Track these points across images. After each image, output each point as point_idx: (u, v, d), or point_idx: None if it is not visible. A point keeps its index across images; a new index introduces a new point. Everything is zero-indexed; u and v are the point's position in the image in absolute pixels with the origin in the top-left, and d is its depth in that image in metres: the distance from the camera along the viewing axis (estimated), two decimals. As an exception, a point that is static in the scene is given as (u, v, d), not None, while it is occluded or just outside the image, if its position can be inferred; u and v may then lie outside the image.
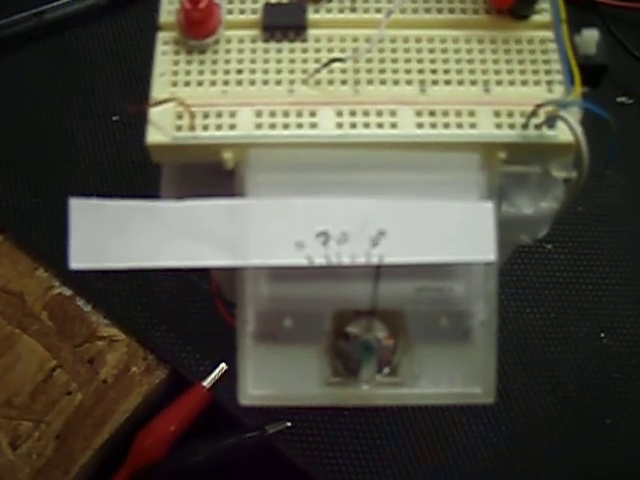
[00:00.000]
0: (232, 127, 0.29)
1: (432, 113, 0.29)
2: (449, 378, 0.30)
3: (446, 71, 0.30)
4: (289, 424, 0.48)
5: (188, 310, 0.51)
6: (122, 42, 0.60)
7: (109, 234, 0.28)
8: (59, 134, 0.57)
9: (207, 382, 0.49)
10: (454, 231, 0.27)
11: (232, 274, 0.30)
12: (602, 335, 0.51)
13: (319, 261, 0.27)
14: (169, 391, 0.51)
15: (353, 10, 0.32)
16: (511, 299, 0.52)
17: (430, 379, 0.30)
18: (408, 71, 0.30)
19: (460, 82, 0.30)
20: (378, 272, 0.28)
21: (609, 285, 0.53)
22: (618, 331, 0.52)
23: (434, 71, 0.30)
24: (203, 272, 0.49)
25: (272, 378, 0.30)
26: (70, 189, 0.54)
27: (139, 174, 0.55)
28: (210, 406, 0.49)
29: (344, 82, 0.30)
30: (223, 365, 0.49)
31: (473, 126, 0.29)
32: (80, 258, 0.28)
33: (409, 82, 0.30)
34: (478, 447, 0.48)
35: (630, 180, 0.56)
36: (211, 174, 0.30)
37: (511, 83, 0.30)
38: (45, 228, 0.54)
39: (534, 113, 0.28)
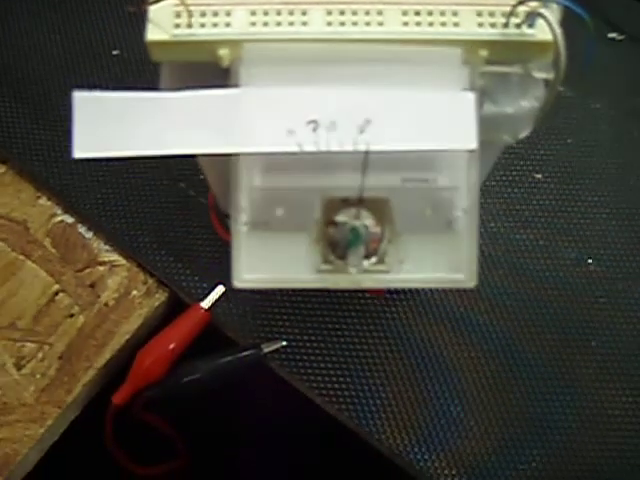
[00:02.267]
0: (228, 25, 0.31)
1: (417, 13, 0.31)
2: (433, 264, 0.32)
3: (431, -27, 0.32)
4: (284, 343, 0.50)
5: (187, 234, 0.54)
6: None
7: (111, 124, 0.30)
8: (62, 66, 0.59)
9: (205, 303, 0.51)
10: (437, 120, 0.30)
11: (227, 173, 0.32)
12: (589, 261, 0.54)
13: (309, 147, 0.29)
14: (169, 313, 0.53)
15: None
16: (502, 226, 0.55)
17: (415, 265, 0.32)
18: (395, -27, 0.32)
19: (444, -16, 0.32)
20: (366, 159, 0.30)
21: (596, 214, 0.55)
22: (604, 257, 0.54)
23: (420, -27, 0.32)
24: (200, 185, 0.51)
25: (265, 263, 0.32)
26: (69, 121, 0.56)
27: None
28: (208, 327, 0.51)
29: (334, -17, 0.32)
30: (221, 287, 0.51)
31: (456, 25, 0.31)
32: (83, 147, 0.30)
33: (396, -17, 0.32)
34: (467, 365, 0.50)
35: (618, 113, 0.58)
36: (206, 75, 0.31)
37: (493, -15, 0.32)
38: (47, 158, 0.56)
39: (514, 11, 0.30)
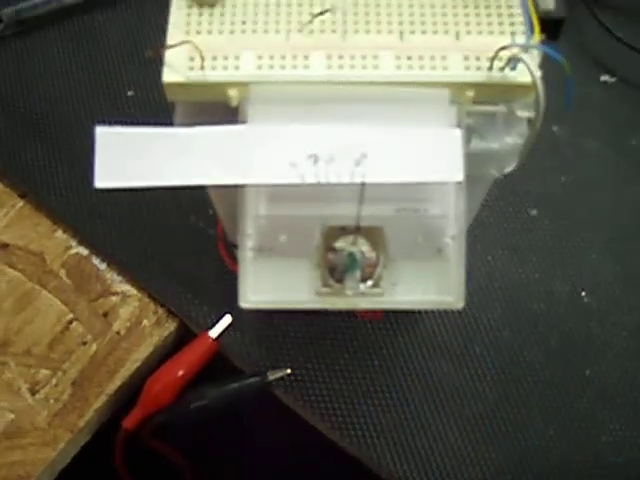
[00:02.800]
0: (237, 68, 0.35)
1: (409, 57, 0.35)
2: (424, 287, 0.35)
3: (422, 22, 0.36)
4: (288, 371, 0.53)
5: (196, 266, 0.57)
6: (137, 22, 0.67)
7: (130, 157, 0.33)
8: (78, 106, 0.63)
9: (213, 332, 0.54)
10: (427, 154, 0.33)
11: (235, 206, 0.36)
12: (583, 294, 0.56)
13: (310, 179, 0.32)
14: (178, 342, 0.56)
15: (343, -31, 0.37)
16: (498, 260, 0.58)
17: (407, 288, 0.35)
18: (389, 22, 0.36)
19: (434, 31, 0.36)
20: (362, 190, 0.33)
21: (590, 248, 0.58)
22: (598, 290, 0.57)
23: (412, 22, 0.36)
24: (210, 218, 0.55)
25: (269, 286, 0.35)
26: (87, 157, 0.60)
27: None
28: (215, 355, 0.54)
29: (334, 31, 0.36)
30: (228, 317, 0.54)
31: (445, 68, 0.35)
32: (104, 178, 0.33)
33: (390, 31, 0.36)
34: (465, 394, 0.53)
35: (610, 152, 0.62)
36: (217, 113, 0.35)
37: (479, 33, 0.36)
38: (64, 192, 0.60)
39: (497, 55, 0.34)
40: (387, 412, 0.53)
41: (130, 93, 0.63)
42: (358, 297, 0.36)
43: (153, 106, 0.62)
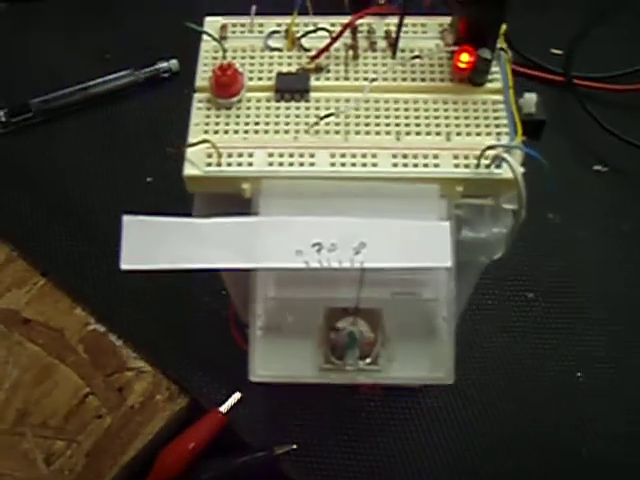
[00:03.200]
0: (250, 164, 0.39)
1: (405, 156, 0.39)
2: (418, 364, 0.39)
3: (417, 124, 0.41)
4: (294, 446, 0.56)
5: (208, 345, 0.61)
6: (156, 113, 0.73)
7: (153, 243, 0.37)
8: (100, 191, 0.68)
9: (223, 408, 0.57)
10: (419, 244, 0.37)
11: (246, 289, 0.40)
12: (578, 374, 0.59)
13: (314, 265, 0.37)
14: (189, 416, 0.59)
15: (346, 78, 0.42)
16: (496, 341, 0.61)
17: (402, 365, 0.39)
18: (387, 124, 0.41)
19: (427, 133, 0.40)
20: (361, 275, 0.37)
21: (584, 330, 0.61)
22: (593, 371, 0.60)
23: (407, 124, 0.41)
24: (223, 300, 0.59)
25: (276, 361, 0.39)
26: (106, 239, 0.65)
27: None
28: (225, 430, 0.57)
29: (337, 132, 0.40)
30: (238, 394, 0.58)
31: (436, 166, 0.39)
32: (129, 261, 0.37)
33: (388, 132, 0.40)
34: (465, 459, 0.56)
35: (603, 238, 0.66)
36: (231, 203, 0.40)
37: (468, 134, 0.40)
38: (83, 272, 0.64)
39: (483, 154, 0.38)
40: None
41: (149, 179, 0.68)
42: (357, 373, 0.39)
43: (171, 193, 0.66)
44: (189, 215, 0.39)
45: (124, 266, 0.37)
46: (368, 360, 0.39)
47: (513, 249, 0.59)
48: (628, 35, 0.78)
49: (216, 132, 0.41)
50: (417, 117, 0.41)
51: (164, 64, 0.73)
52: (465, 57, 0.41)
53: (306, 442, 0.57)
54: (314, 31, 0.44)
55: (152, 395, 0.59)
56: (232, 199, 0.40)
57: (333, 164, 0.39)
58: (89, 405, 0.59)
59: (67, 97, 0.71)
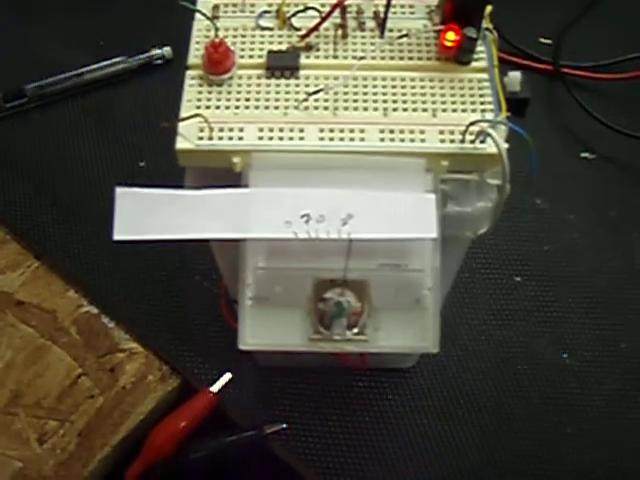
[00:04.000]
0: (240, 138, 0.41)
1: (392, 131, 0.41)
2: (403, 334, 0.40)
3: (404, 101, 0.42)
4: (284, 426, 0.57)
5: (200, 325, 0.62)
6: (149, 99, 0.74)
7: (145, 214, 0.39)
8: (92, 176, 0.70)
9: (214, 388, 0.58)
10: (405, 215, 0.39)
11: (236, 263, 0.41)
12: (565, 356, 0.61)
13: (302, 235, 0.38)
14: (180, 396, 0.61)
15: (335, 57, 0.44)
16: (484, 324, 0.62)
17: (388, 334, 0.40)
18: (375, 101, 0.42)
19: (414, 109, 0.42)
20: (349, 246, 0.38)
21: (571, 313, 0.63)
22: (579, 352, 0.61)
23: (395, 101, 0.42)
24: (214, 277, 0.60)
25: (265, 331, 0.40)
26: (98, 222, 0.66)
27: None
28: (216, 410, 0.58)
29: (326, 108, 0.42)
30: (228, 374, 0.59)
31: (423, 141, 0.40)
32: (122, 231, 0.39)
33: (375, 109, 0.42)
34: (452, 450, 0.57)
35: (590, 223, 0.67)
36: (222, 177, 0.41)
37: (453, 110, 0.42)
38: (76, 255, 0.65)
39: (468, 129, 0.40)
40: (378, 465, 0.57)
41: (142, 164, 0.70)
42: (345, 342, 0.41)
43: (163, 176, 0.68)
44: (181, 188, 0.40)
45: (117, 236, 0.39)
46: (355, 330, 0.41)
47: (501, 233, 0.61)
48: (616, 24, 0.79)
49: (208, 107, 0.42)
50: (404, 94, 0.42)
51: (157, 51, 0.75)
52: (451, 36, 0.42)
53: (296, 422, 0.58)
54: (304, 10, 0.45)
55: (144, 376, 0.60)
56: (223, 173, 0.41)
57: (322, 138, 0.40)
58: (81, 386, 0.60)
59: (62, 83, 0.73)
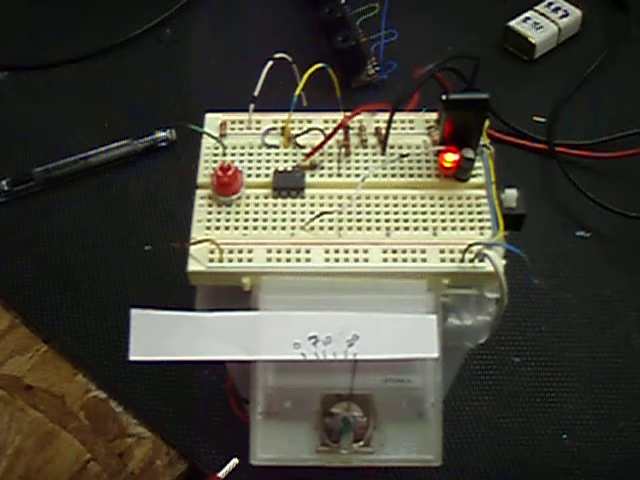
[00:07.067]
0: (249, 260, 0.43)
1: (394, 251, 0.43)
2: (408, 447, 0.43)
3: (405, 220, 0.45)
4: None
5: (207, 413, 0.64)
6: (154, 182, 0.76)
7: (159, 335, 0.41)
8: (99, 258, 0.72)
9: (221, 474, 0.60)
10: (407, 336, 0.41)
11: (245, 370, 0.44)
12: (564, 436, 0.63)
13: (310, 357, 0.40)
14: (189, 480, 0.63)
15: (339, 175, 0.47)
16: (484, 405, 0.64)
17: (393, 448, 0.43)
18: (377, 220, 0.45)
19: (415, 228, 0.44)
20: (354, 365, 0.41)
21: (570, 393, 0.65)
22: (578, 432, 0.63)
23: (396, 220, 0.45)
24: (222, 373, 0.62)
25: (275, 445, 0.43)
26: (107, 307, 0.68)
27: (166, 291, 0.69)
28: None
29: (331, 228, 0.44)
30: (235, 460, 0.61)
31: (424, 260, 0.43)
32: (138, 352, 0.41)
33: (378, 228, 0.44)
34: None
35: (587, 303, 0.69)
36: (232, 296, 0.43)
37: (453, 229, 0.44)
38: (84, 339, 0.68)
39: (467, 250, 0.42)
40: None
41: (147, 247, 0.72)
42: (352, 455, 0.43)
43: (167, 260, 0.70)
44: (192, 306, 0.43)
45: (133, 357, 0.41)
46: (361, 443, 0.43)
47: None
48: (607, 102, 0.83)
49: (217, 228, 0.44)
50: (405, 212, 0.45)
51: (162, 133, 0.77)
52: (450, 157, 0.45)
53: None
54: (308, 131, 0.47)
55: (152, 460, 0.62)
56: (233, 291, 0.43)
57: (327, 259, 0.43)
58: (91, 471, 0.62)
59: (68, 166, 0.75)
